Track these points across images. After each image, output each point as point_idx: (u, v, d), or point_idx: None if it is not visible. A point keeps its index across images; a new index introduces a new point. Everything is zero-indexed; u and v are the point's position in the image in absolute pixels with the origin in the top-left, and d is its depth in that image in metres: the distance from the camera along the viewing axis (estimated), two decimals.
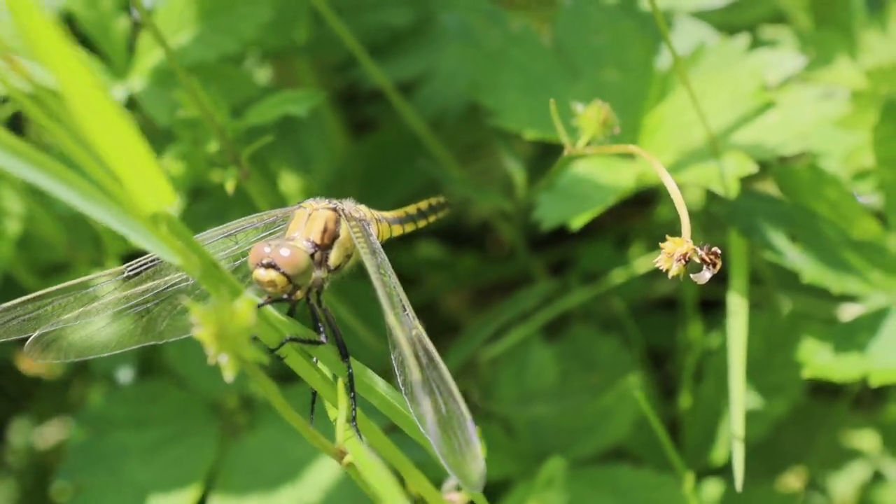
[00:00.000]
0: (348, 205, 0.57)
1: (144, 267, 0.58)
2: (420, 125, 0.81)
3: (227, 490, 0.76)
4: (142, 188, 0.41)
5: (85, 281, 0.57)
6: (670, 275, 0.50)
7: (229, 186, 0.69)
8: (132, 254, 0.81)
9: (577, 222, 0.68)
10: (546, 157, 0.89)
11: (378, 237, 0.59)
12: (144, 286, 0.58)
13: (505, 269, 0.93)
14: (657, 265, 0.50)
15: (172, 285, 0.58)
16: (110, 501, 0.76)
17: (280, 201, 0.84)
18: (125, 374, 0.83)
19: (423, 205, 0.64)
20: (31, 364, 0.95)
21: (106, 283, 0.58)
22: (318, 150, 0.85)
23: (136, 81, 0.73)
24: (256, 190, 0.73)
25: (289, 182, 0.87)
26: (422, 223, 0.64)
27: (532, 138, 0.72)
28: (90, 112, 0.39)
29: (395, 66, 0.85)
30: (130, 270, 0.57)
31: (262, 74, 0.91)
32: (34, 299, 0.57)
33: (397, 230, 0.62)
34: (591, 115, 0.62)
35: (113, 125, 0.39)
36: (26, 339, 0.57)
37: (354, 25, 0.84)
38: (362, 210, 0.58)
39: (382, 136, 0.90)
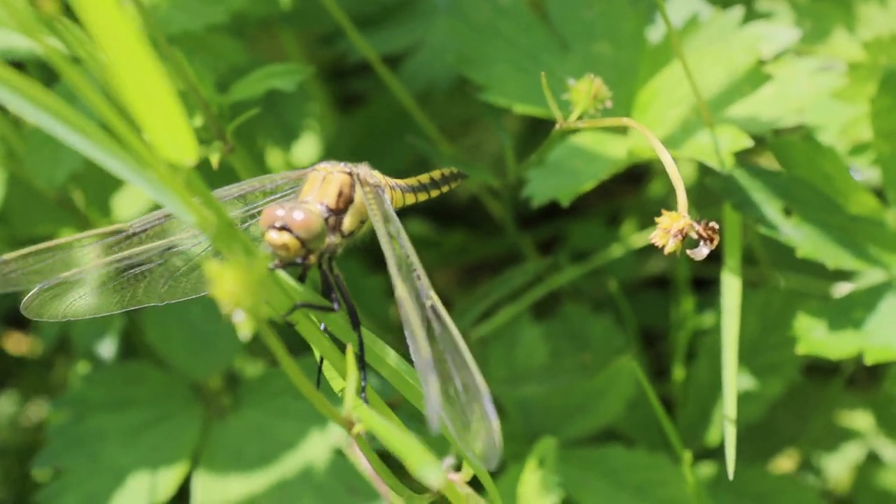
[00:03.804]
0: (363, 169, 0.55)
1: (149, 225, 0.56)
2: (408, 99, 0.79)
3: (211, 472, 0.75)
4: (166, 138, 0.40)
5: (87, 236, 0.56)
6: (666, 250, 0.48)
7: (214, 161, 0.67)
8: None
9: (567, 198, 0.66)
10: (537, 132, 0.88)
11: (391, 204, 0.57)
12: (147, 245, 0.56)
13: (494, 247, 0.92)
14: (653, 241, 0.49)
15: (175, 246, 0.57)
16: (90, 485, 0.74)
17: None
18: (107, 348, 0.82)
19: (437, 174, 0.63)
20: (16, 343, 0.94)
21: (108, 240, 0.56)
22: (305, 125, 0.83)
23: None
24: (241, 164, 0.71)
25: (275, 156, 0.86)
26: (434, 193, 0.62)
27: (521, 113, 0.71)
28: (121, 55, 0.38)
29: (383, 39, 0.83)
30: (138, 227, 0.56)
31: (250, 46, 0.90)
32: (35, 253, 0.56)
33: (410, 199, 0.60)
34: (582, 89, 0.60)
35: (143, 70, 0.38)
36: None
37: None
38: (377, 176, 0.56)
39: (371, 111, 0.89)
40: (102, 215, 0.82)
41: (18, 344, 0.94)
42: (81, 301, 0.57)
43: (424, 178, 0.62)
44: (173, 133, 0.40)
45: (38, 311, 0.57)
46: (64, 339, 0.87)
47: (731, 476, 0.64)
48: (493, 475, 0.76)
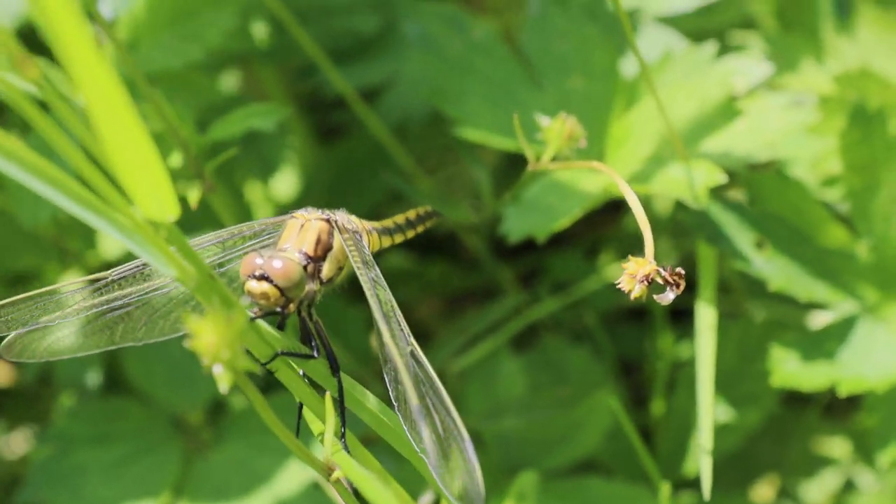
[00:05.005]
0: (341, 216, 0.56)
1: (129, 272, 0.57)
2: (384, 133, 0.80)
3: None
4: (147, 195, 0.40)
5: (67, 284, 0.57)
6: (632, 296, 0.49)
7: (193, 201, 0.68)
8: (101, 265, 0.80)
9: (543, 235, 0.67)
10: (515, 163, 0.88)
11: (369, 249, 0.58)
12: (127, 290, 0.57)
13: (476, 278, 0.92)
14: (619, 287, 0.49)
15: (155, 290, 0.57)
16: None
17: (245, 212, 0.82)
18: (91, 381, 0.82)
19: (412, 214, 0.63)
20: (0, 373, 0.94)
21: (87, 287, 0.57)
22: (284, 159, 0.84)
23: None
24: (221, 203, 0.71)
25: (254, 191, 0.86)
26: (410, 233, 0.63)
27: (497, 147, 0.71)
28: (104, 111, 0.38)
29: (359, 72, 0.84)
30: (117, 275, 0.57)
31: (228, 80, 0.90)
32: (14, 303, 0.56)
33: (386, 241, 0.61)
34: (555, 129, 0.60)
35: (126, 128, 0.39)
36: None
37: (320, 31, 0.83)
38: (354, 221, 0.57)
39: (349, 145, 0.89)
40: (88, 247, 0.82)
41: (3, 375, 0.95)
42: (60, 343, 0.57)
43: (399, 219, 0.62)
44: (154, 191, 0.40)
45: (18, 354, 0.57)
46: (48, 370, 0.87)
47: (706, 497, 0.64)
48: None
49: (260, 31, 0.82)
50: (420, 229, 0.63)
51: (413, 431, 0.50)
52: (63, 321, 0.57)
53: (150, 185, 0.40)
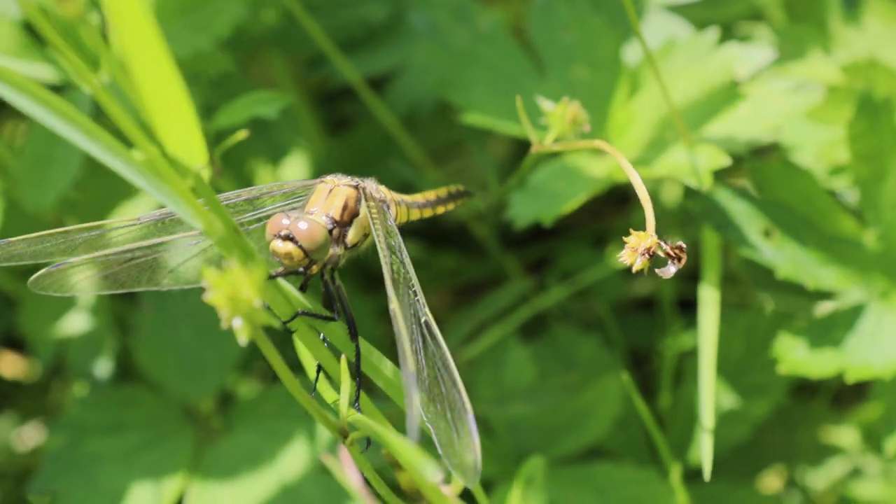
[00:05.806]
0: (370, 184, 0.57)
1: (156, 219, 0.57)
2: (393, 123, 0.80)
3: (204, 495, 0.76)
4: (177, 139, 0.41)
5: (100, 224, 0.57)
6: (634, 269, 0.49)
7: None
8: None
9: (550, 219, 0.67)
10: (523, 155, 0.89)
11: (396, 219, 0.58)
12: (155, 238, 0.58)
13: (486, 268, 0.93)
14: (620, 260, 0.50)
15: (179, 239, 0.58)
16: None
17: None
18: (103, 370, 0.83)
19: (443, 191, 0.64)
20: (12, 366, 0.95)
21: (119, 228, 0.57)
22: (294, 145, 0.84)
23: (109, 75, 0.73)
24: (230, 188, 0.72)
25: (264, 178, 0.86)
26: (440, 209, 0.63)
27: (503, 134, 0.72)
28: (142, 58, 0.39)
29: (368, 61, 0.84)
30: (147, 220, 0.57)
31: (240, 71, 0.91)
32: (48, 236, 0.56)
33: (415, 214, 0.61)
34: (559, 112, 0.61)
35: (161, 73, 0.39)
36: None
37: (329, 20, 0.84)
38: (383, 191, 0.57)
39: (359, 134, 0.90)
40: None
41: (14, 367, 0.95)
42: (90, 279, 0.58)
43: (430, 194, 0.63)
44: (183, 131, 0.41)
45: (44, 286, 0.58)
46: (59, 361, 0.88)
47: (706, 477, 0.65)
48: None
49: (270, 20, 0.83)
50: (450, 206, 0.64)
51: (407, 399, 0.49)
52: (89, 260, 0.57)
53: (181, 127, 0.40)
